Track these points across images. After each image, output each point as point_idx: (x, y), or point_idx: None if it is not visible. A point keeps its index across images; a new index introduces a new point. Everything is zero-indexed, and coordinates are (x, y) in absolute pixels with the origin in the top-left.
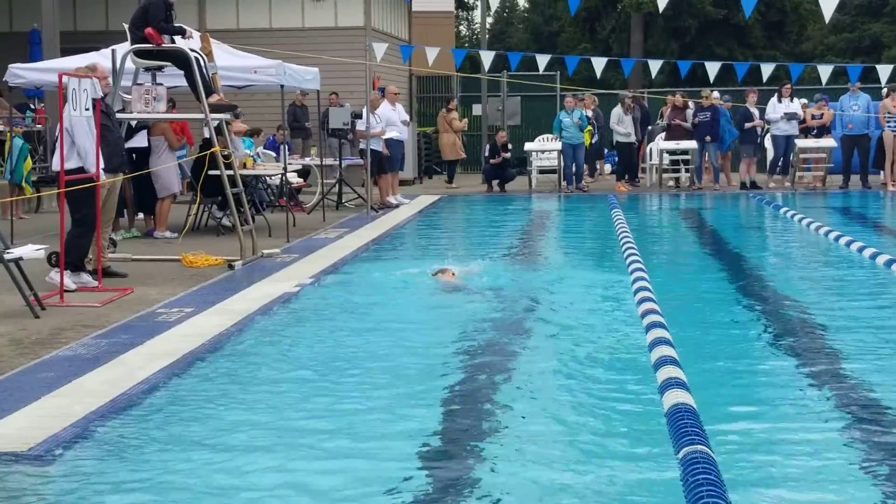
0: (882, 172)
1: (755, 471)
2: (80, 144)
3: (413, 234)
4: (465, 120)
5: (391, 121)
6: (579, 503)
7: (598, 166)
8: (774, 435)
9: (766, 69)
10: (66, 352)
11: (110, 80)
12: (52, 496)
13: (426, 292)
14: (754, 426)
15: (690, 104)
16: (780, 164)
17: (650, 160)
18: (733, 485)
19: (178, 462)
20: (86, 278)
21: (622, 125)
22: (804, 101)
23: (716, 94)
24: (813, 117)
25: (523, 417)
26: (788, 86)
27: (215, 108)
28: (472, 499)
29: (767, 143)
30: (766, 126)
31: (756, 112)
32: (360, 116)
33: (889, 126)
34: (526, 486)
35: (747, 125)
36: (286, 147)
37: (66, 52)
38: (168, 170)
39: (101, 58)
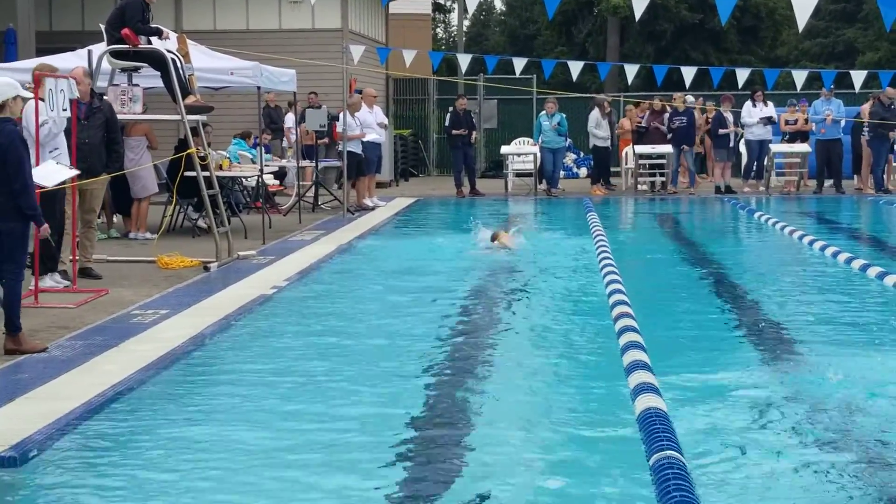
0: (856, 177)
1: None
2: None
3: (390, 235)
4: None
5: (368, 123)
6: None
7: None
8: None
9: (742, 74)
10: (41, 353)
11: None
12: (27, 498)
13: (402, 292)
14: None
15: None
16: (754, 168)
17: (625, 164)
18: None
19: (154, 463)
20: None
21: (600, 129)
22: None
23: (689, 98)
24: (787, 123)
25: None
26: (760, 92)
27: (192, 110)
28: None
29: (742, 147)
30: (741, 131)
31: (730, 117)
32: (336, 118)
33: (866, 131)
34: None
35: (721, 131)
36: (263, 149)
37: (41, 53)
38: (148, 170)
39: (76, 58)
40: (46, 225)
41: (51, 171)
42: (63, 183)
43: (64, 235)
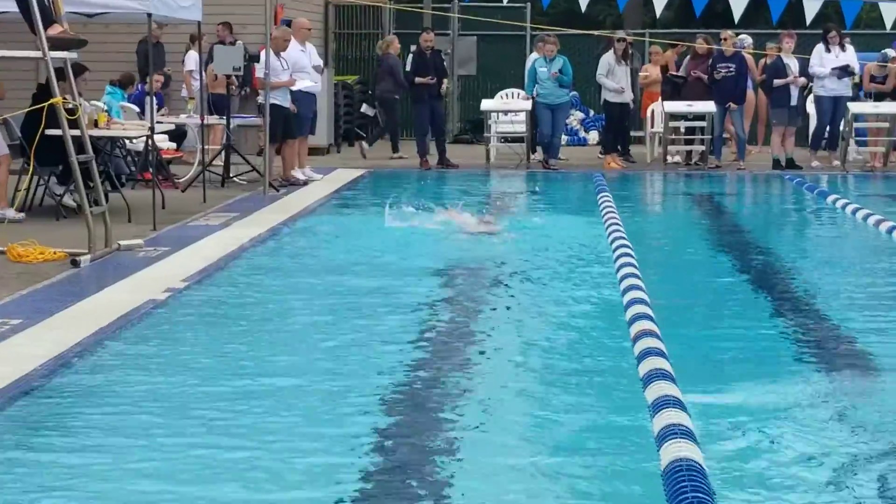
0: None
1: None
2: None
3: (328, 219)
4: None
5: (301, 66)
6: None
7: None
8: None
9: (811, 7)
10: None
11: None
12: None
13: (346, 296)
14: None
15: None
16: (826, 135)
17: (650, 127)
18: None
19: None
20: None
21: (614, 78)
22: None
23: (746, 38)
24: (873, 79)
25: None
26: (835, 32)
27: (56, 44)
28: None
29: (810, 107)
30: (804, 81)
31: (794, 64)
32: (256, 59)
33: None
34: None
35: (778, 82)
36: (154, 99)
37: None
38: None
39: None
40: None
41: None
42: None
43: None
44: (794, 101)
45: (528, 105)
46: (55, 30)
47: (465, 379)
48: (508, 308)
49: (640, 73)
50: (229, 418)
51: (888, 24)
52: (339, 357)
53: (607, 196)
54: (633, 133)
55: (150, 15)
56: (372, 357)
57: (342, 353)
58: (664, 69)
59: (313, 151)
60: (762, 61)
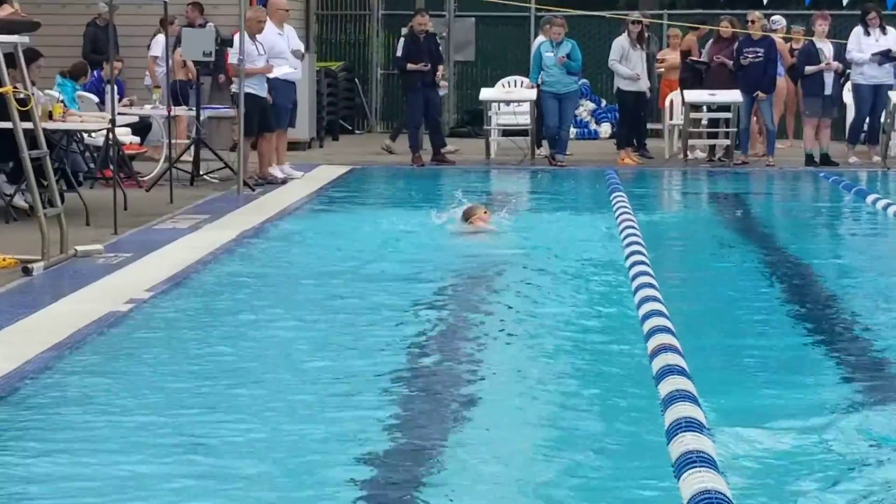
0: None
1: None
2: None
3: (310, 221)
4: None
5: (278, 51)
6: None
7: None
8: None
9: None
10: None
11: None
12: None
13: (331, 308)
14: None
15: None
16: (865, 128)
17: (669, 119)
18: None
19: None
20: None
21: (628, 64)
22: None
23: (780, 19)
24: None
25: None
26: (874, 14)
27: (6, 27)
28: None
29: (847, 96)
30: (837, 65)
31: (828, 48)
32: (229, 43)
33: None
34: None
35: (811, 69)
36: (115, 87)
37: None
38: None
39: None
40: None
41: None
42: None
43: None
44: (828, 90)
45: (533, 94)
46: (5, 10)
47: (462, 397)
48: (509, 319)
49: (657, 59)
50: (199, 448)
51: None
52: (320, 375)
53: (621, 196)
54: (649, 125)
55: None
56: (356, 375)
57: (324, 370)
58: (684, 54)
59: (293, 146)
60: (789, 44)
